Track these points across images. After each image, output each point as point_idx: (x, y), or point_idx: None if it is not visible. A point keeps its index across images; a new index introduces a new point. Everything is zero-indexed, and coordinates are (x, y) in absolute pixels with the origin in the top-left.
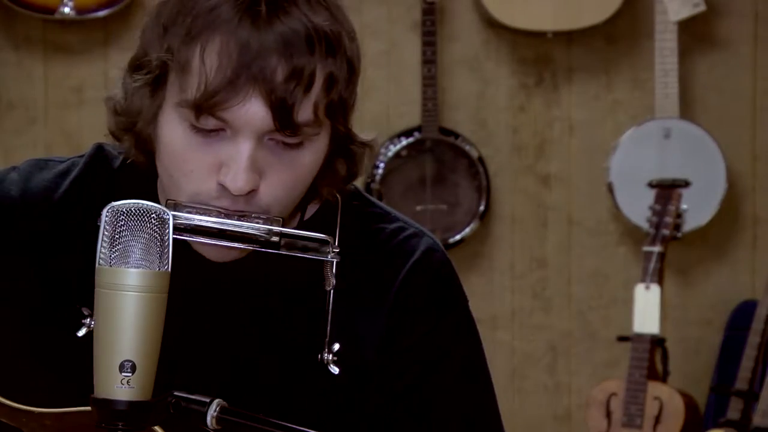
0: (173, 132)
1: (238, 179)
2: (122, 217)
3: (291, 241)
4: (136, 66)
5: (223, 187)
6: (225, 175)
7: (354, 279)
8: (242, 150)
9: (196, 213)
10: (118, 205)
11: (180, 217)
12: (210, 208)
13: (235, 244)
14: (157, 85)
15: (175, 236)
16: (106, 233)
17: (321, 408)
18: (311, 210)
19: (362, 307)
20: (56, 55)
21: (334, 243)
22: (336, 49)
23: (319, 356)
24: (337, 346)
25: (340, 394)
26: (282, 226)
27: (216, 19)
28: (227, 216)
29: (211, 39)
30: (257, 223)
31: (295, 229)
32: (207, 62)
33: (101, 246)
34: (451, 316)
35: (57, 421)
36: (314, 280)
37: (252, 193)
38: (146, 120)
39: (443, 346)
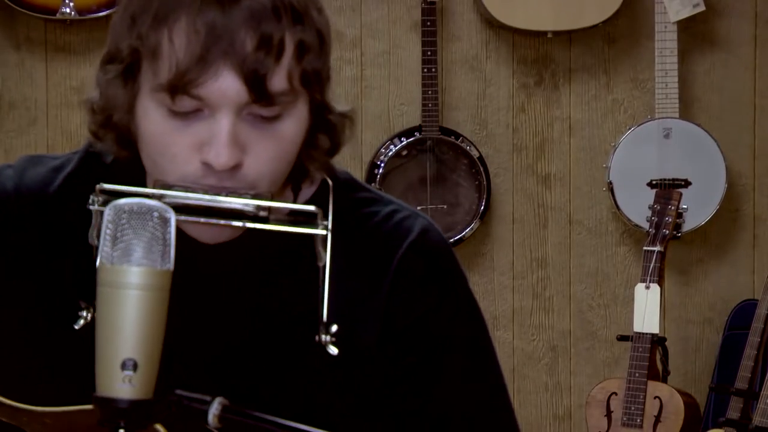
0: (151, 119)
1: (221, 155)
2: (124, 215)
3: (280, 217)
4: (108, 60)
5: (207, 166)
6: (207, 153)
7: (351, 261)
8: (222, 125)
9: (184, 190)
10: (121, 203)
11: (168, 196)
12: (197, 186)
13: (224, 221)
14: (130, 74)
15: None
16: (108, 231)
17: (320, 389)
18: (304, 195)
19: (360, 289)
20: (57, 56)
21: (324, 217)
22: (303, 17)
23: (317, 337)
24: (335, 328)
25: (340, 375)
26: None
27: (181, 1)
28: (215, 193)
29: (177, 20)
30: (245, 198)
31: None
32: (176, 42)
33: (103, 244)
34: (452, 294)
35: (58, 420)
36: (309, 261)
37: (236, 168)
38: (122, 110)
39: (446, 325)
